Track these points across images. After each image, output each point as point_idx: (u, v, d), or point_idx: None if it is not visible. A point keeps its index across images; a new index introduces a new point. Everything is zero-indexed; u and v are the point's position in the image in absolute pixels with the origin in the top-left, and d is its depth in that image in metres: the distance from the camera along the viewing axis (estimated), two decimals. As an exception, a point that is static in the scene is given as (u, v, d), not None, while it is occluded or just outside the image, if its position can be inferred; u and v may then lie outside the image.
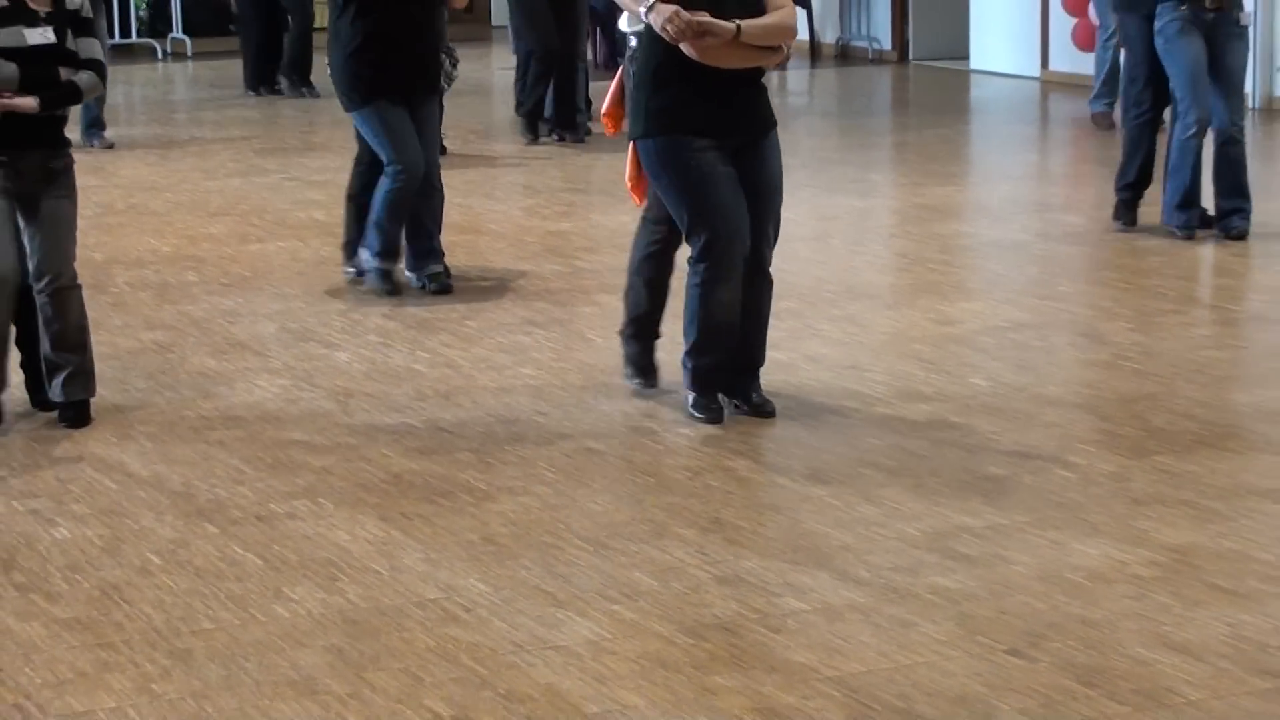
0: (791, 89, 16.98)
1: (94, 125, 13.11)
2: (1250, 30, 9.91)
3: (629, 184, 6.89)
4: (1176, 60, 9.32)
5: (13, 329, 6.60)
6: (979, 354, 7.48)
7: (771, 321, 6.76)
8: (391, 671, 4.57)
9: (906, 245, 9.83)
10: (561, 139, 13.17)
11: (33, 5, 6.48)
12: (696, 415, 6.55)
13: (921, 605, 4.92)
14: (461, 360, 7.48)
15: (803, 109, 15.94)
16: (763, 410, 6.59)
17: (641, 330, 6.92)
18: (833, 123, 14.98)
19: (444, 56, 8.91)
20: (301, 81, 16.05)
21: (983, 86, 16.52)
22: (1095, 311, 8.23)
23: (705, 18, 6.26)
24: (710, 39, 6.29)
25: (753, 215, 6.44)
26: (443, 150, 10.35)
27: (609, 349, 7.56)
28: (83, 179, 6.96)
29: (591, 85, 13.68)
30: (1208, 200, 9.59)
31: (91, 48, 6.57)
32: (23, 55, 6.41)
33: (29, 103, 6.40)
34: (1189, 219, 9.50)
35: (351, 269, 8.82)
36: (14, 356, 6.70)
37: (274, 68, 16.33)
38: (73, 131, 7.66)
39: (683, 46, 6.29)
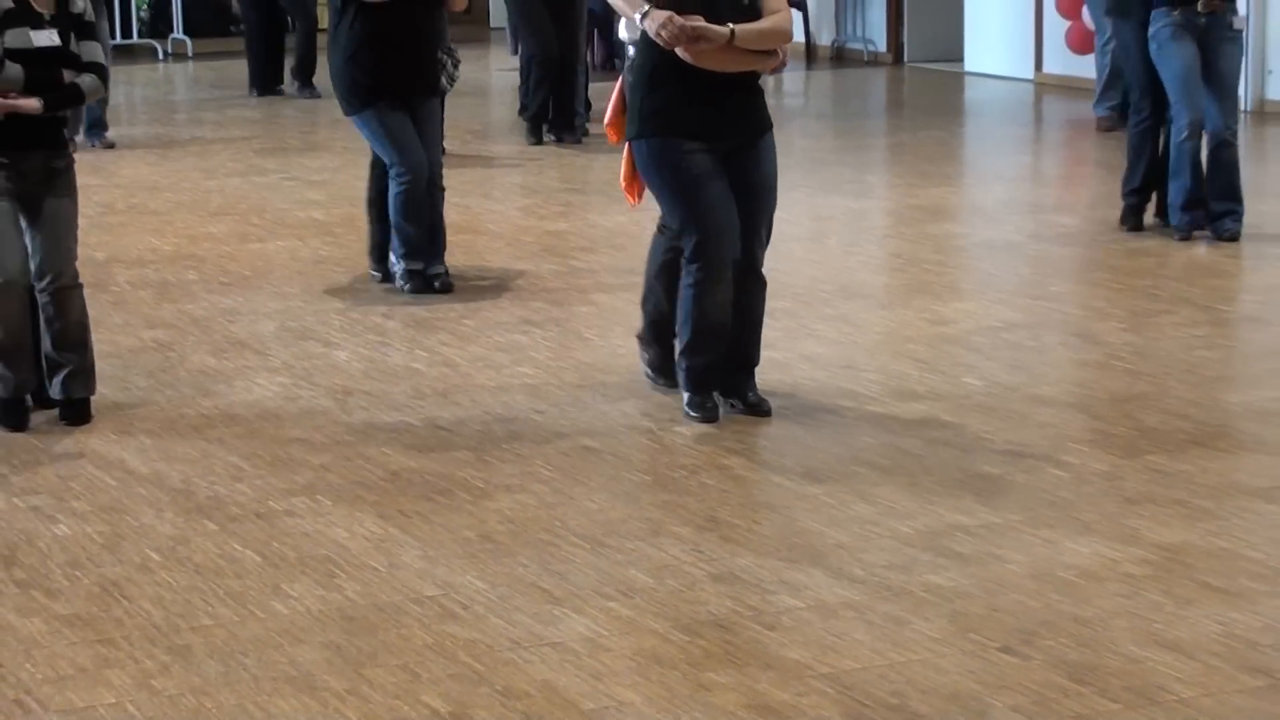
0: (787, 90, 17.00)
1: (96, 126, 13.13)
2: (1243, 33, 9.95)
3: (623, 184, 6.93)
4: (1168, 65, 9.38)
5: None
6: (973, 354, 7.51)
7: (767, 321, 6.80)
8: (389, 668, 4.59)
9: (901, 246, 9.86)
10: (559, 140, 13.20)
11: (37, 8, 6.51)
12: (691, 414, 6.58)
13: (915, 603, 4.95)
14: (459, 359, 7.51)
15: (798, 110, 15.96)
16: (759, 409, 6.63)
17: (660, 334, 6.96)
18: (828, 124, 15.01)
19: (446, 57, 8.91)
20: (305, 83, 16.06)
21: (977, 88, 16.54)
22: (1088, 312, 8.27)
23: (699, 23, 6.30)
24: (704, 44, 6.33)
25: (745, 217, 6.48)
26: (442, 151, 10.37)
27: (605, 348, 7.60)
28: (84, 179, 6.99)
29: (590, 87, 13.72)
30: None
31: (94, 51, 6.62)
32: (28, 57, 6.45)
33: (33, 104, 6.44)
34: (1194, 219, 9.56)
35: (377, 273, 8.83)
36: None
37: (277, 69, 16.35)
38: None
39: (677, 51, 6.33)
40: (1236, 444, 6.38)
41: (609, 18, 12.64)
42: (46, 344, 6.63)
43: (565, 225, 10.33)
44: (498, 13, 19.07)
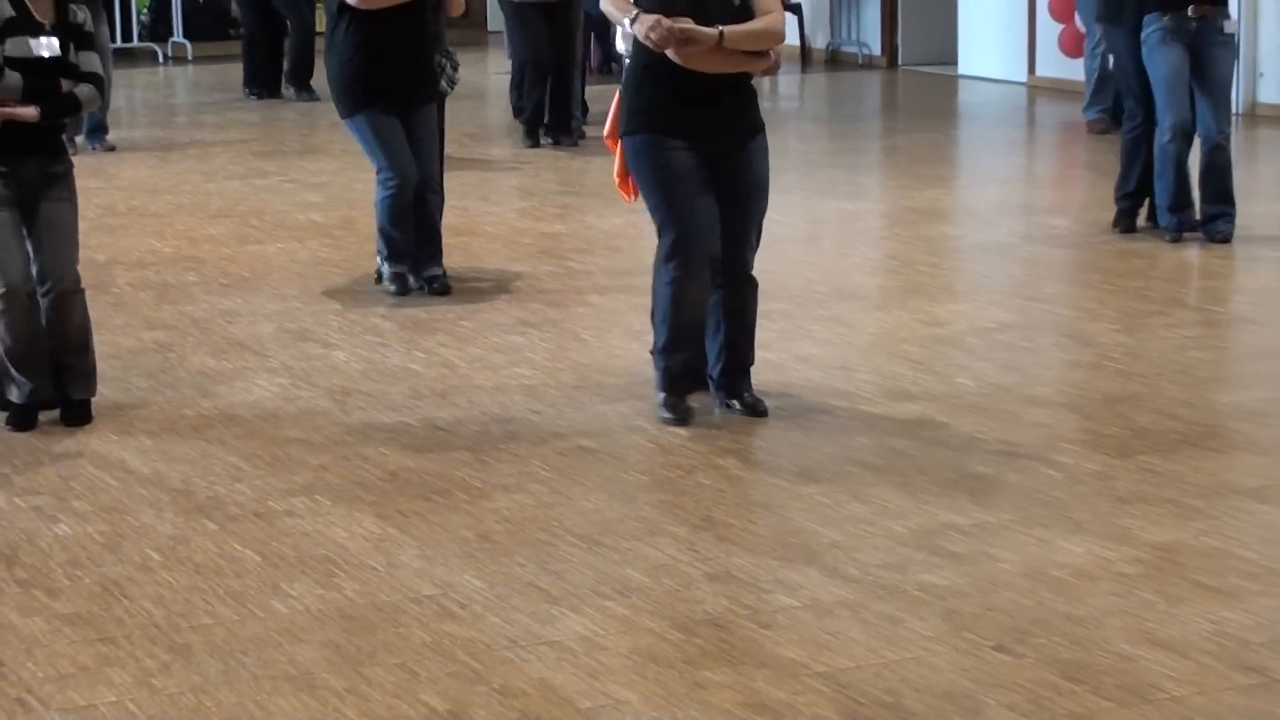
0: (782, 93, 17.03)
1: (97, 129, 13.15)
2: (1234, 38, 9.98)
3: (616, 180, 6.95)
4: (1156, 68, 9.44)
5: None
6: (966, 355, 7.54)
7: (762, 322, 6.82)
8: (388, 666, 4.61)
9: (895, 248, 9.89)
10: (556, 143, 13.22)
11: (38, 18, 6.55)
12: (665, 416, 6.57)
13: (909, 602, 4.98)
14: (457, 360, 7.54)
15: (793, 113, 15.98)
16: (755, 409, 6.66)
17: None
18: (822, 127, 15.03)
19: (445, 61, 8.93)
20: (302, 87, 16.07)
21: (971, 91, 16.57)
22: (1080, 313, 8.30)
23: (688, 24, 6.33)
24: (693, 46, 6.36)
25: (734, 220, 6.50)
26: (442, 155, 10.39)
27: (602, 349, 7.64)
28: (84, 181, 7.01)
29: (587, 90, 13.75)
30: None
31: (92, 61, 6.65)
32: (28, 66, 6.49)
33: (30, 112, 6.46)
34: (1179, 221, 9.59)
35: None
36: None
37: (275, 72, 16.36)
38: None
39: (667, 53, 6.37)
40: (1228, 444, 6.42)
41: (606, 22, 12.65)
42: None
43: (562, 227, 10.36)
44: (495, 17, 19.09)
